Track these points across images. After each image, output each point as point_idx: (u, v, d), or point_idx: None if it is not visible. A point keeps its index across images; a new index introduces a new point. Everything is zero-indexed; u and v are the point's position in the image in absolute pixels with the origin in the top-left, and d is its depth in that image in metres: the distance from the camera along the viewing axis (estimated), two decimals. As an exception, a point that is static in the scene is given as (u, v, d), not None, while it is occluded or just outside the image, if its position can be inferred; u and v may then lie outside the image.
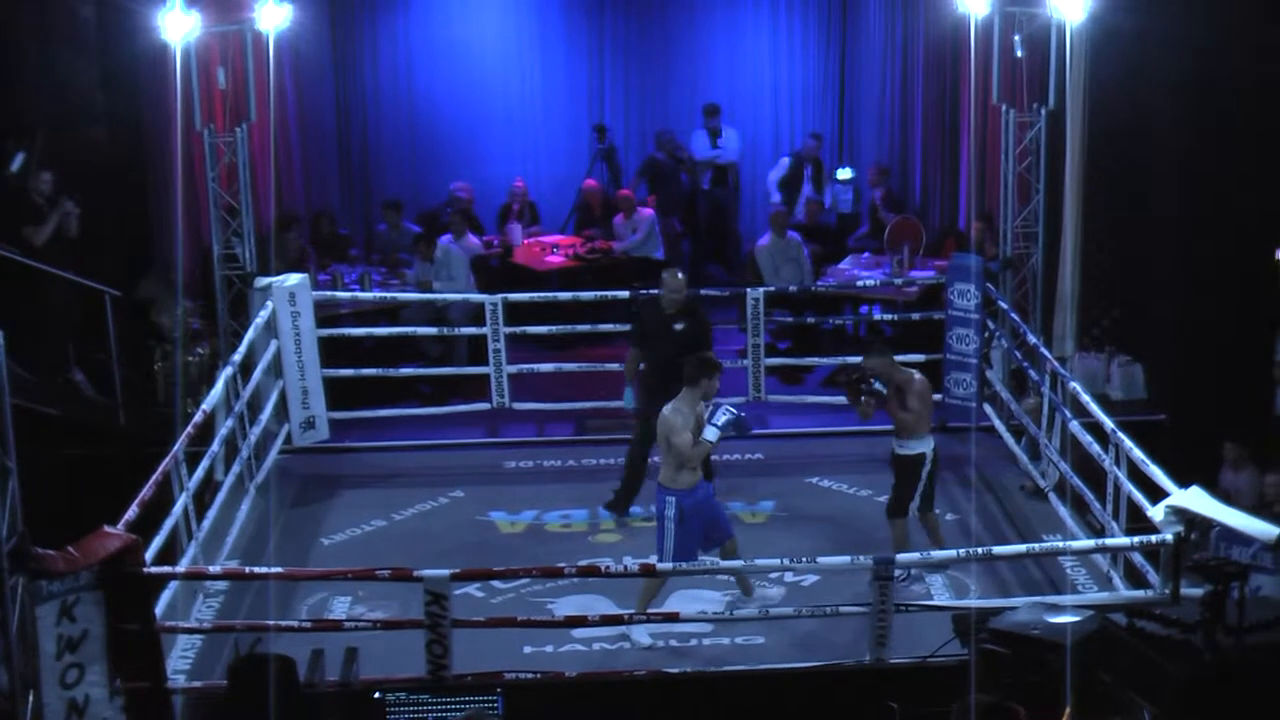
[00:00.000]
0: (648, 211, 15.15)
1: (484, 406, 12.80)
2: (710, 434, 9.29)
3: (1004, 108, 12.70)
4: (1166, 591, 8.60)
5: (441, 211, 15.07)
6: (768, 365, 12.94)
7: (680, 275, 11.17)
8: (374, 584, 9.64)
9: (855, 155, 16.58)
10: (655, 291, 11.32)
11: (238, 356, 11.39)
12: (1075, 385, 10.90)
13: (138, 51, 12.56)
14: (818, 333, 14.30)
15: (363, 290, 13.62)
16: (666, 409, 9.40)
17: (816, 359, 13.81)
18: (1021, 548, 9.81)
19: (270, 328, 12.00)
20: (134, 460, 10.36)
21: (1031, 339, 11.90)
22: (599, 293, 12.96)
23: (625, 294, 13.07)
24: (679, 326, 10.99)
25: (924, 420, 10.23)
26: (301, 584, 9.98)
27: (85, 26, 13.23)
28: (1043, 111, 12.52)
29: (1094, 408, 10.41)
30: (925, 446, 10.22)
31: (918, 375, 10.25)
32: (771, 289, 13.21)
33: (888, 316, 13.75)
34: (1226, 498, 9.75)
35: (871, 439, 12.76)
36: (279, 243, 13.23)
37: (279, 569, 9.47)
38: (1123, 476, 9.72)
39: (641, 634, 9.41)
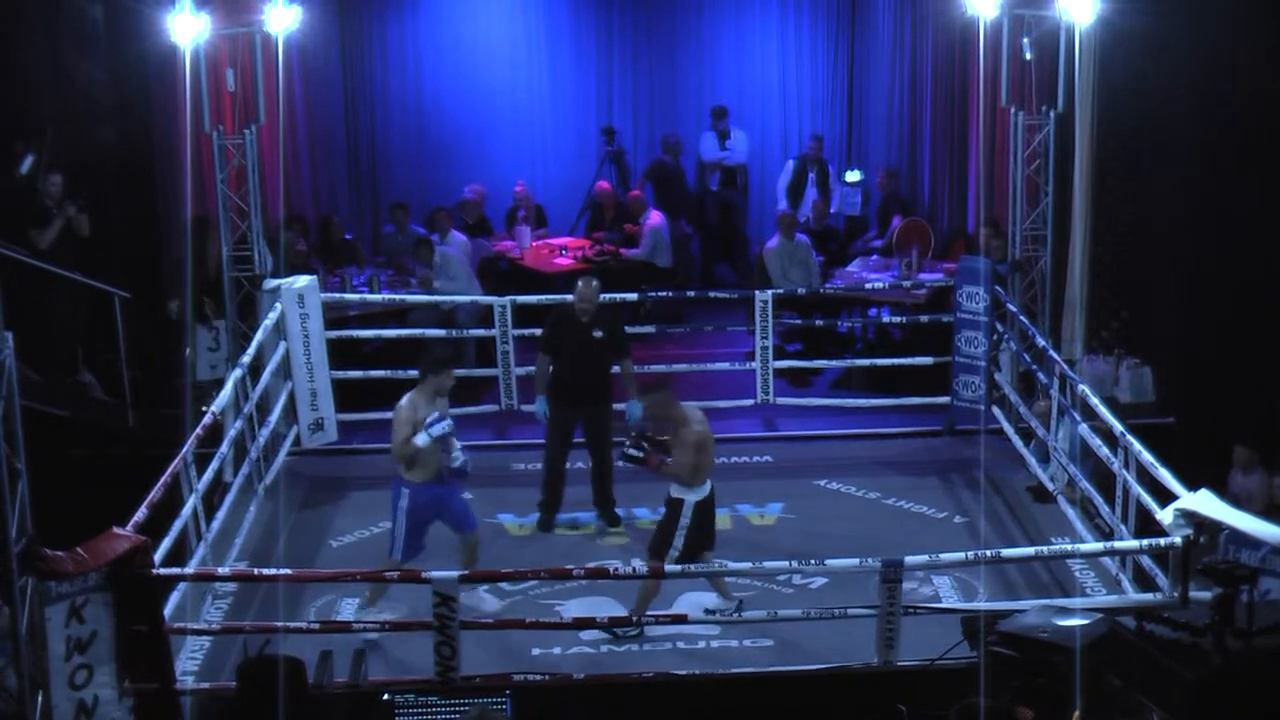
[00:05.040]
0: (654, 220, 15.11)
1: (492, 408, 12.81)
2: (420, 439, 9.42)
3: (1012, 110, 12.69)
4: (1175, 595, 8.60)
5: (453, 214, 15.07)
6: (776, 368, 12.94)
7: (595, 283, 11.20)
8: (382, 585, 9.63)
9: (864, 158, 16.58)
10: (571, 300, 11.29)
11: (246, 358, 11.39)
12: (1084, 388, 10.89)
13: (147, 53, 12.57)
14: (826, 335, 14.31)
15: (371, 292, 13.63)
16: (402, 400, 9.61)
17: (825, 361, 13.83)
18: (1030, 550, 9.82)
19: (279, 329, 12.01)
20: (143, 461, 10.36)
21: (1040, 341, 11.88)
22: (608, 295, 12.95)
23: (634, 296, 13.09)
24: (598, 334, 11.08)
25: (694, 471, 9.45)
26: (310, 585, 9.99)
27: (94, 28, 13.25)
28: (1051, 114, 12.51)
29: (1103, 410, 10.40)
30: (689, 495, 9.50)
31: (696, 426, 9.46)
32: (780, 291, 13.21)
33: (896, 319, 13.77)
34: (1236, 501, 9.75)
35: (880, 442, 12.83)
36: (284, 242, 13.24)
37: (288, 570, 9.49)
38: (1132, 479, 9.71)
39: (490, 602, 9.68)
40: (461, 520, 9.83)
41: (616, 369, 11.37)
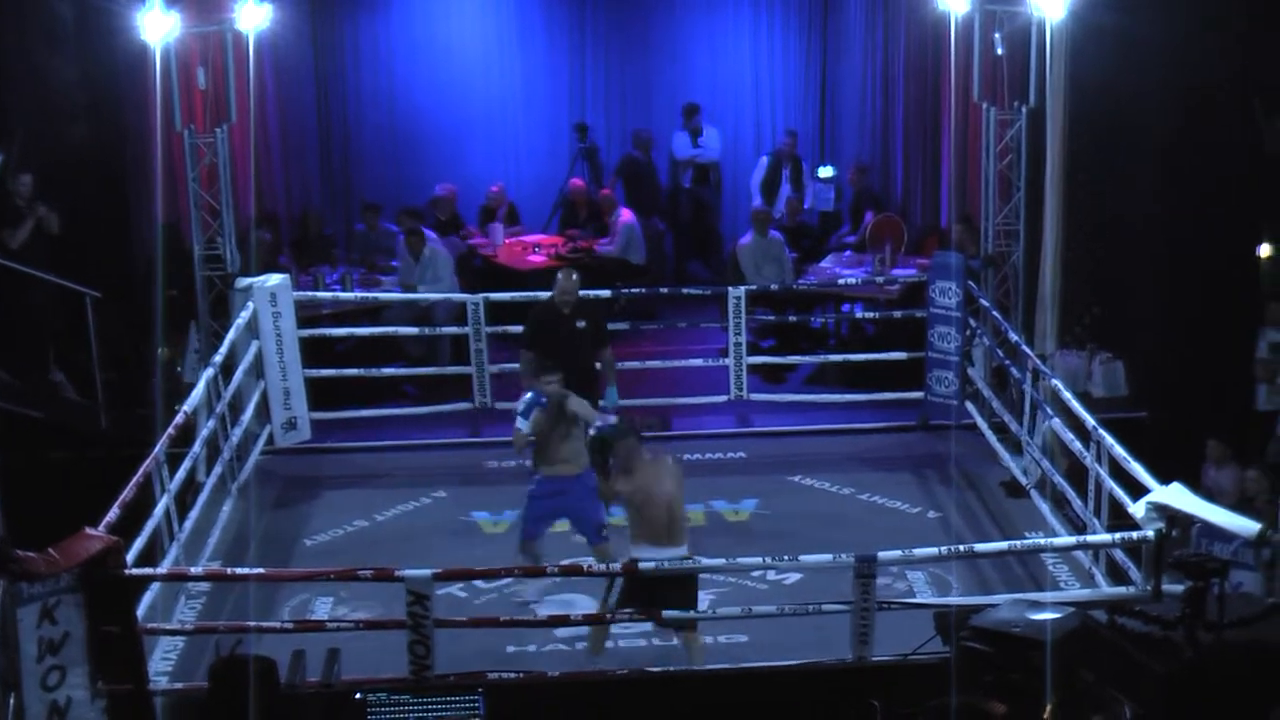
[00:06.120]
0: (625, 217, 15.11)
1: (466, 406, 12.80)
2: (518, 423, 9.98)
3: (985, 106, 12.73)
4: (1148, 588, 8.62)
5: (426, 213, 15.04)
6: (750, 364, 12.94)
7: (575, 276, 11.27)
8: (356, 584, 9.62)
9: (836, 154, 16.58)
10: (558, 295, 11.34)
11: (219, 357, 11.36)
12: (1056, 382, 10.92)
13: (117, 52, 12.53)
14: (800, 331, 14.32)
15: (344, 290, 13.60)
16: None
17: (799, 357, 13.84)
18: (1003, 545, 9.81)
19: (251, 328, 11.97)
20: (116, 462, 10.33)
21: (1013, 336, 11.92)
22: (581, 292, 12.93)
23: (608, 293, 13.08)
24: (581, 325, 11.11)
25: (636, 530, 9.03)
26: (284, 585, 9.97)
27: (64, 27, 13.19)
28: (1023, 109, 12.55)
29: (1075, 405, 10.43)
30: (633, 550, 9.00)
31: (623, 485, 9.06)
32: (753, 287, 13.21)
33: (870, 315, 13.79)
34: (1209, 495, 9.78)
35: (854, 437, 12.85)
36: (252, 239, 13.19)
37: (261, 570, 9.46)
38: (1104, 473, 9.74)
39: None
40: (586, 529, 10.02)
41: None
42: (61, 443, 11.94)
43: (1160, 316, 13.26)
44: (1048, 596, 9.02)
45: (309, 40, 15.97)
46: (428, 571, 8.41)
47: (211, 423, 11.00)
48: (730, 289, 12.88)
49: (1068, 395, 10.61)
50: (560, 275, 11.28)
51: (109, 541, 7.76)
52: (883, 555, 8.66)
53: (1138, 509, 8.88)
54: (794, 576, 10.16)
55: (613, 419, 9.79)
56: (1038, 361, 11.39)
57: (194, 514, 10.45)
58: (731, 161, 16.62)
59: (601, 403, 11.18)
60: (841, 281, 13.91)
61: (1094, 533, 9.77)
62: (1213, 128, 12.88)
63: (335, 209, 16.30)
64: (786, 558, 9.11)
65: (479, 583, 10.03)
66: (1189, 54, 12.71)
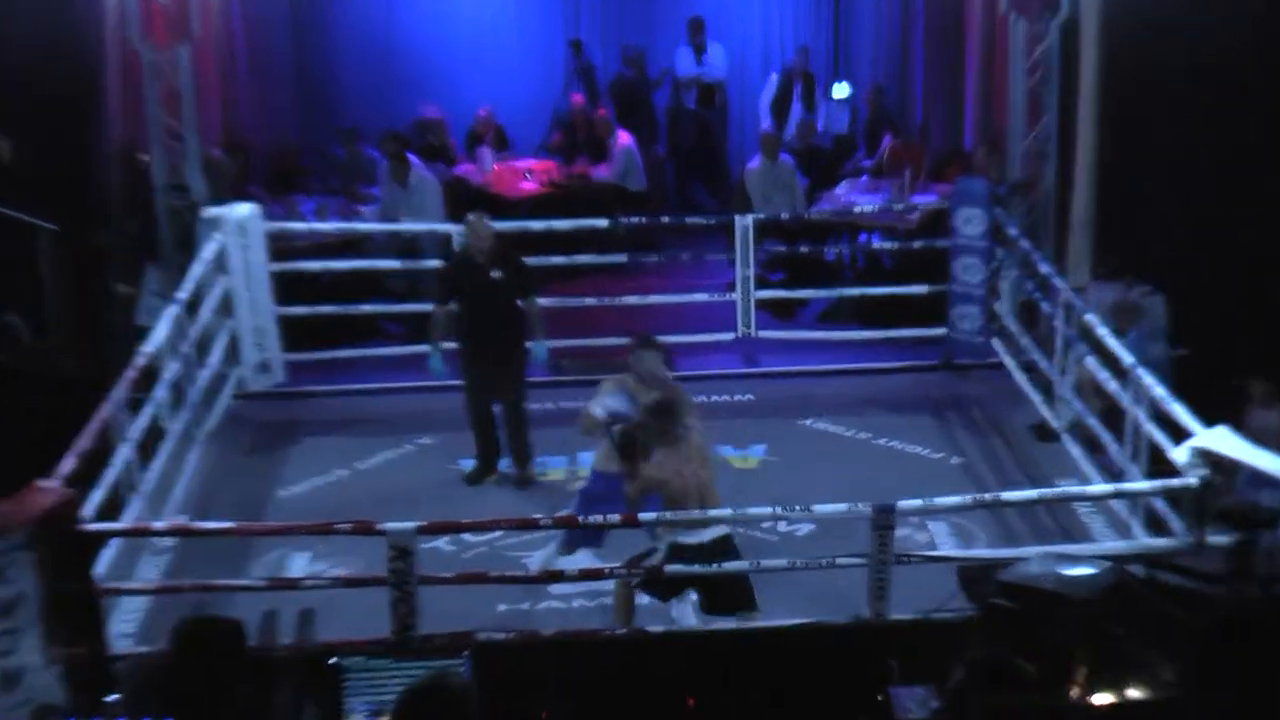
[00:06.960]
0: (624, 141, 15.02)
1: (453, 346, 12.70)
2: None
3: (1013, 18, 12.61)
4: (1190, 540, 8.56)
5: (412, 137, 14.92)
6: (758, 299, 12.88)
7: (487, 222, 11.00)
8: (335, 539, 9.57)
9: (851, 71, 16.48)
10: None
11: (184, 294, 11.28)
12: (1090, 317, 10.84)
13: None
14: (813, 263, 14.24)
15: (321, 221, 13.51)
16: None
17: (811, 292, 13.77)
18: (1033, 494, 9.78)
19: (219, 262, 11.89)
20: (74, 409, 10.25)
21: (1043, 268, 11.83)
22: (576, 221, 12.86)
23: (604, 223, 12.99)
24: (496, 275, 10.89)
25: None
26: (257, 540, 9.94)
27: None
28: (1055, 21, 12.43)
29: (1111, 341, 10.36)
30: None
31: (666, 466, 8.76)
32: (762, 216, 13.13)
33: (888, 245, 13.73)
34: (1254, 438, 9.71)
35: (871, 378, 12.82)
36: (214, 165, 13.05)
37: (231, 524, 9.41)
38: (1143, 416, 9.68)
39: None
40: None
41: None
42: (16, 388, 11.86)
43: (1204, 245, 13.14)
44: (1081, 549, 8.98)
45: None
46: (412, 524, 8.38)
47: (176, 365, 10.93)
48: (737, 218, 12.81)
49: (1103, 331, 10.54)
50: (471, 219, 11.02)
51: (64, 495, 7.74)
52: (902, 505, 8.62)
53: (1179, 454, 8.82)
54: (806, 528, 10.16)
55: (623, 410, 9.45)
56: (1070, 294, 11.30)
57: (158, 464, 10.41)
58: (738, 80, 16.54)
59: (530, 344, 11.02)
60: (857, 210, 13.83)
61: (1131, 480, 9.71)
62: (1266, 39, 12.71)
63: (310, 135, 16.16)
64: (798, 508, 9.05)
65: (467, 536, 10.00)
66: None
